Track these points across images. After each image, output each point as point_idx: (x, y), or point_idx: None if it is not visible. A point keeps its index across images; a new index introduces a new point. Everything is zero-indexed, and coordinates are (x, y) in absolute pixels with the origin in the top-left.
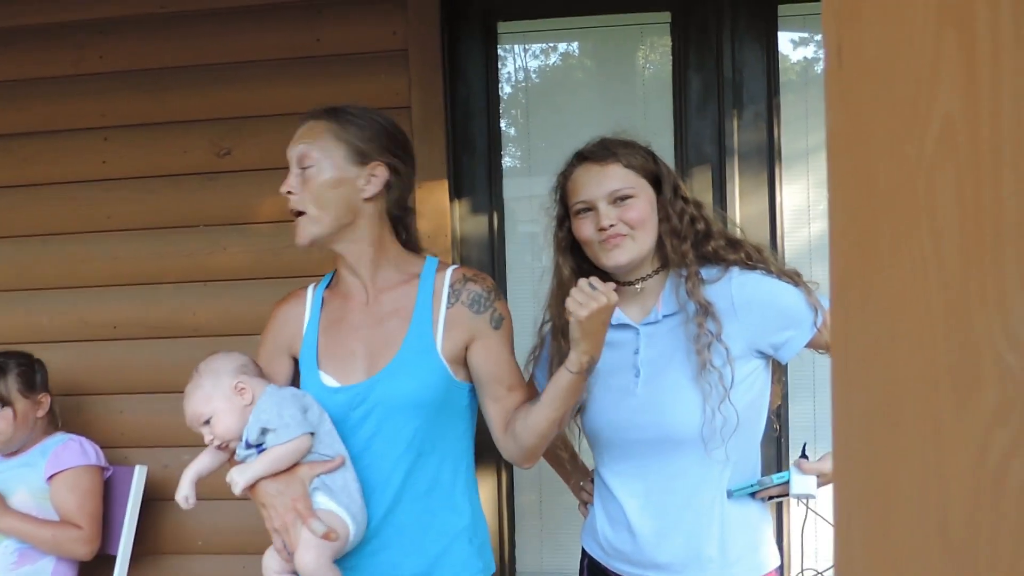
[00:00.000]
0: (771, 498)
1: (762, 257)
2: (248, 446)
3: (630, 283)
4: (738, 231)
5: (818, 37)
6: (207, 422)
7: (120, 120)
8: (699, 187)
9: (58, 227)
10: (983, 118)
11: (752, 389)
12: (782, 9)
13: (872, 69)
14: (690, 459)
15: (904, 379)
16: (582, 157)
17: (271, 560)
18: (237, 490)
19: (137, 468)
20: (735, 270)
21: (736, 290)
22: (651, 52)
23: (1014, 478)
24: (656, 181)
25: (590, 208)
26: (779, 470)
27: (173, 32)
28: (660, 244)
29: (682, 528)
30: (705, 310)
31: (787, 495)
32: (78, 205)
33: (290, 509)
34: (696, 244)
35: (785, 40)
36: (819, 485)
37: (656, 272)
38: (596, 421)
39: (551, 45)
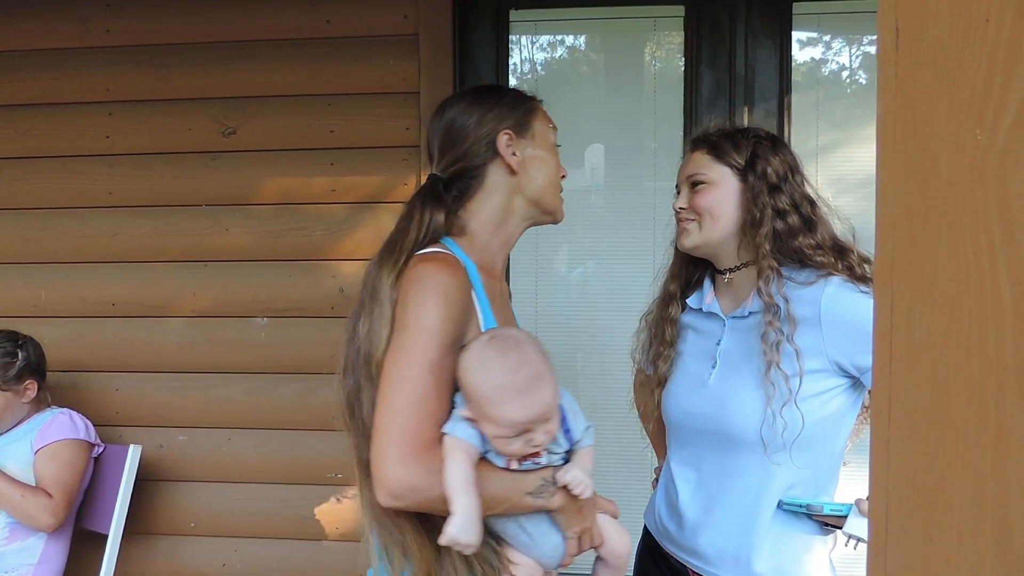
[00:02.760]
0: (826, 525)
1: (868, 271)
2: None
3: (722, 272)
4: (851, 238)
5: (827, 37)
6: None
7: (125, 95)
8: None
9: (59, 201)
10: None
11: (828, 406)
12: (796, 7)
13: (935, 52)
14: (749, 460)
15: (959, 378)
16: (690, 141)
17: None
18: (589, 493)
19: (131, 447)
20: (835, 280)
21: (827, 302)
22: (662, 46)
23: None
24: (751, 171)
25: (679, 190)
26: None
27: (180, 9)
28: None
29: (724, 524)
30: (774, 309)
31: (839, 528)
32: (80, 180)
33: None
34: (776, 238)
35: (798, 39)
36: None
37: (745, 266)
38: (668, 403)
39: (560, 37)
